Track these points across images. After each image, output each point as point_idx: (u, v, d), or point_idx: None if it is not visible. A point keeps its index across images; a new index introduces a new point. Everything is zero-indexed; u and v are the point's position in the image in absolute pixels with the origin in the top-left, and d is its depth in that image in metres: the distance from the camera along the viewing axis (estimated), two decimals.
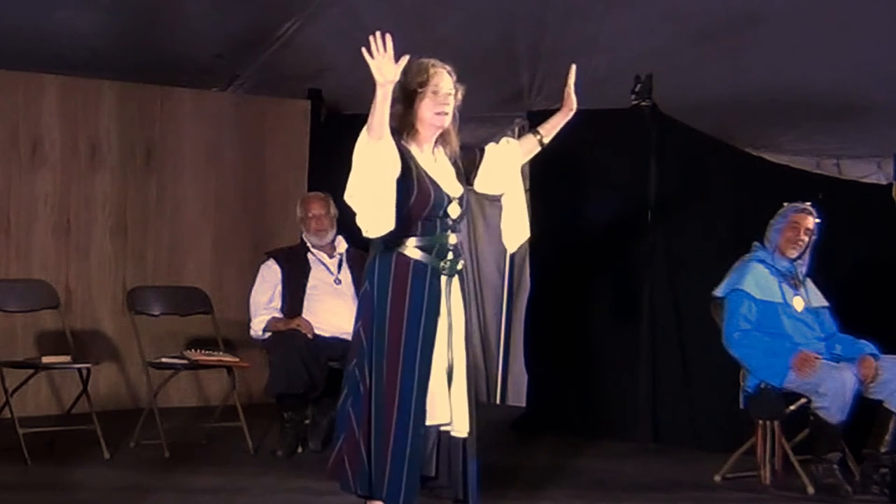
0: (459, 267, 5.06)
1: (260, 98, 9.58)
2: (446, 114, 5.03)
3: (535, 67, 8.87)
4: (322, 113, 9.71)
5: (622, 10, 8.27)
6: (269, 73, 9.44)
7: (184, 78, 9.17)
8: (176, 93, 9.16)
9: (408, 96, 4.98)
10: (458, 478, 5.06)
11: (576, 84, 5.27)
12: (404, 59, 4.74)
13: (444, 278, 5.02)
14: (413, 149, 5.01)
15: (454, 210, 5.04)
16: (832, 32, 7.82)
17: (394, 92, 4.88)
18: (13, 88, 8.49)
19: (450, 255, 5.02)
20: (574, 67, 5.23)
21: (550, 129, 5.37)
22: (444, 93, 4.99)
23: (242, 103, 9.51)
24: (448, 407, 4.99)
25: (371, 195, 4.82)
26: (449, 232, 5.02)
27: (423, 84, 4.97)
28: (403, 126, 4.99)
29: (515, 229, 5.28)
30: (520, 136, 9.39)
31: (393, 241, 4.95)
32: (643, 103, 8.28)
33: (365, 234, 4.89)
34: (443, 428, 5.02)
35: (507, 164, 5.28)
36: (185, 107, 9.19)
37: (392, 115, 4.88)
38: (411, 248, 4.98)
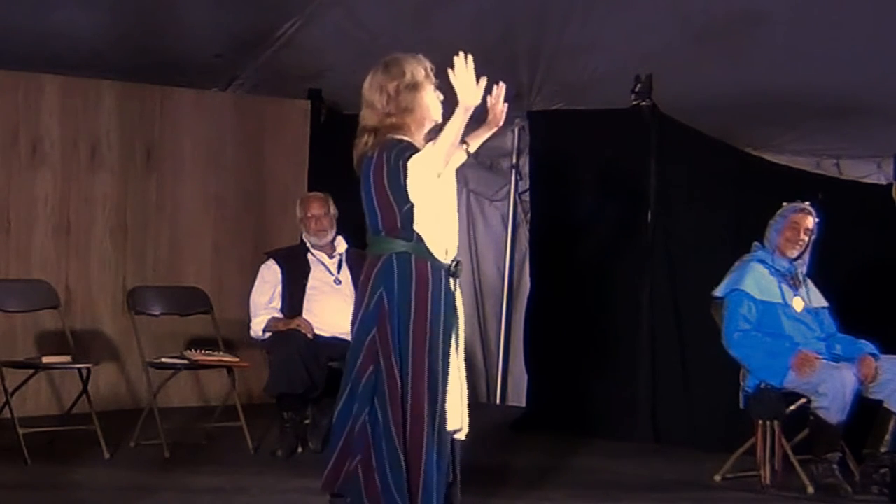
0: (461, 269, 4.98)
1: (260, 98, 9.58)
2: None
3: (535, 67, 8.88)
4: (322, 113, 9.70)
5: (622, 10, 8.27)
6: (269, 73, 9.44)
7: (184, 78, 9.17)
8: (176, 93, 9.16)
9: (418, 90, 4.89)
10: (457, 479, 5.02)
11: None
12: (483, 81, 4.67)
13: (451, 281, 4.93)
14: (426, 145, 4.91)
15: None
16: (832, 33, 7.82)
17: (391, 90, 4.85)
18: (13, 88, 8.49)
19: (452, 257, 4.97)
20: (503, 86, 5.10)
21: (476, 139, 5.19)
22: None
23: (242, 103, 9.51)
24: (460, 412, 4.95)
25: (446, 221, 4.79)
26: None
27: (429, 77, 4.90)
28: (412, 122, 4.90)
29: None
30: (519, 136, 9.50)
31: (408, 244, 4.85)
32: (643, 103, 8.28)
33: (443, 260, 4.82)
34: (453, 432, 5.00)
35: (448, 167, 5.07)
36: (185, 107, 9.18)
37: (393, 113, 4.84)
38: (426, 251, 4.86)
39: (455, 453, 4.99)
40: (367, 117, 4.95)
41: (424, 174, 4.76)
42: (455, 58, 4.66)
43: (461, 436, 5.01)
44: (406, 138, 4.87)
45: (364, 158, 4.93)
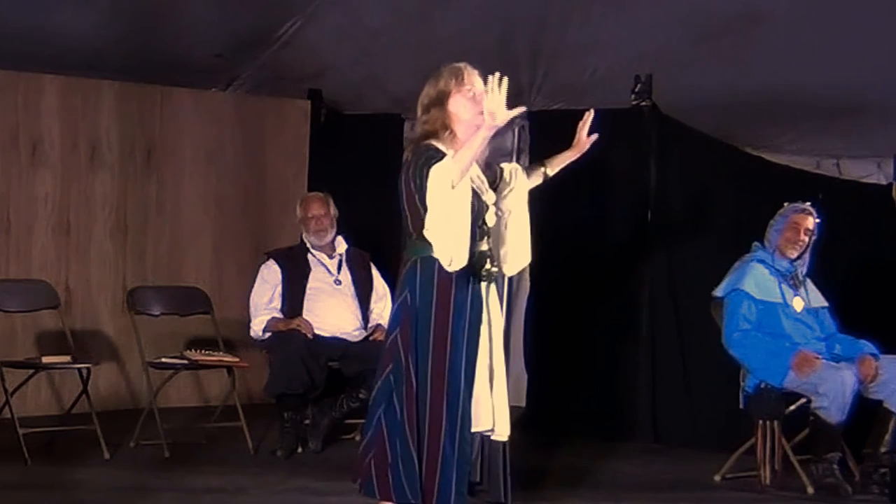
0: (495, 272, 5.09)
1: (260, 98, 9.58)
2: (482, 113, 5.06)
3: (535, 67, 8.88)
4: (322, 113, 9.71)
5: (622, 10, 8.27)
6: (269, 73, 9.44)
7: (184, 78, 9.17)
8: (176, 93, 9.16)
9: (444, 99, 5.03)
10: (499, 480, 5.20)
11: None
12: (518, 110, 4.77)
13: (483, 284, 5.05)
14: (451, 154, 5.01)
15: (490, 218, 5.10)
16: (832, 32, 7.82)
17: (425, 99, 5.02)
18: (13, 88, 8.49)
19: (487, 262, 5.04)
20: (592, 112, 5.35)
21: (556, 165, 5.46)
22: (479, 93, 5.03)
23: (242, 103, 9.51)
24: (491, 413, 5.10)
25: (456, 231, 4.86)
26: (485, 238, 5.07)
27: (460, 85, 5.02)
28: (442, 129, 5.03)
29: (517, 254, 5.29)
30: (519, 136, 9.50)
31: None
32: (643, 103, 8.28)
33: (447, 268, 4.89)
34: (485, 433, 5.12)
35: (520, 186, 5.33)
36: (185, 107, 9.19)
37: (427, 120, 5.00)
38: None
39: (493, 453, 5.19)
40: (416, 128, 5.16)
41: (440, 183, 4.85)
42: (490, 76, 4.75)
43: (502, 437, 5.19)
44: (438, 145, 4.99)
45: (404, 163, 5.07)
